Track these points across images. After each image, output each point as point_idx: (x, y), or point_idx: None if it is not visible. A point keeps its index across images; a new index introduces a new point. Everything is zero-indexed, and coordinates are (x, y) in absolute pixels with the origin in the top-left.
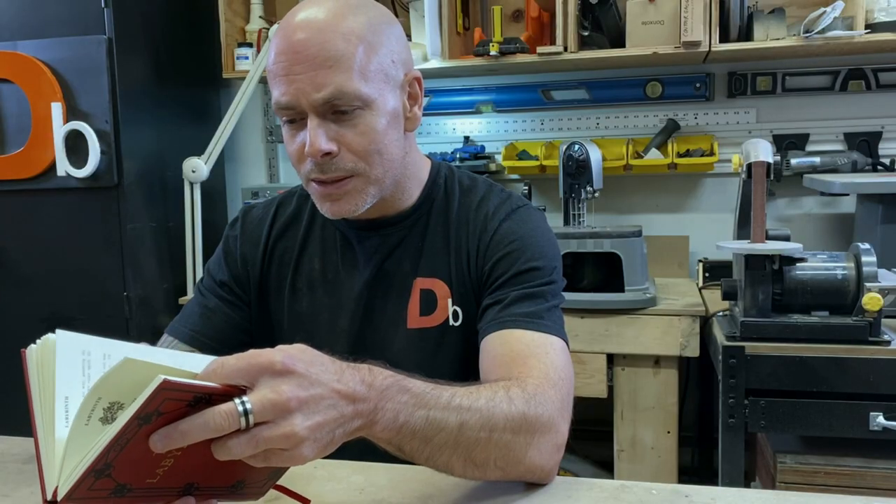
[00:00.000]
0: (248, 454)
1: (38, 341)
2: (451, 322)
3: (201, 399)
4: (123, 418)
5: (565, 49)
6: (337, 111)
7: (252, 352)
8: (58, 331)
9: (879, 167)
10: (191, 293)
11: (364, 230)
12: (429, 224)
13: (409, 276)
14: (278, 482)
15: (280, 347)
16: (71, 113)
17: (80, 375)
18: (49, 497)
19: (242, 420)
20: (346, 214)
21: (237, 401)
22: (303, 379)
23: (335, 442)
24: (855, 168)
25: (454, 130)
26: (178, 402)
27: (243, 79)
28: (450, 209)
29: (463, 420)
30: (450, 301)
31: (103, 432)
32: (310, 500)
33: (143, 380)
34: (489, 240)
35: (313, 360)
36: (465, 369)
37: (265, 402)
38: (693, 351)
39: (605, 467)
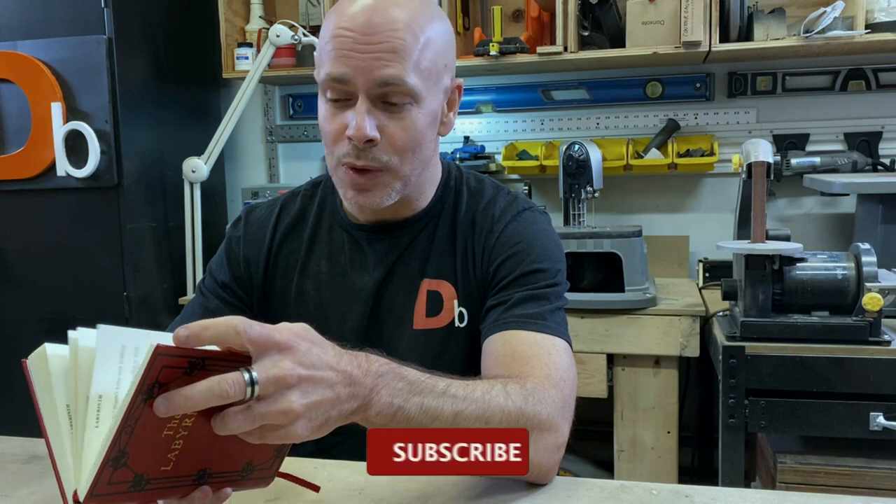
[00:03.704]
0: (245, 429)
1: (37, 350)
2: (457, 323)
3: (196, 365)
4: (127, 397)
5: (565, 49)
6: (386, 101)
7: (271, 326)
8: (99, 325)
9: (879, 167)
10: (191, 293)
11: (375, 232)
12: (438, 225)
13: (417, 277)
14: (288, 473)
15: (286, 325)
16: (71, 113)
17: (117, 373)
18: (70, 501)
19: (248, 390)
20: (370, 206)
21: (244, 371)
22: (303, 357)
23: (330, 423)
24: (855, 168)
25: (454, 130)
26: (176, 369)
27: (243, 79)
28: (458, 211)
29: (458, 410)
30: (456, 302)
31: (111, 418)
32: (319, 487)
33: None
34: (494, 241)
35: (314, 342)
36: (470, 371)
37: (269, 375)
38: (693, 351)
39: (605, 467)
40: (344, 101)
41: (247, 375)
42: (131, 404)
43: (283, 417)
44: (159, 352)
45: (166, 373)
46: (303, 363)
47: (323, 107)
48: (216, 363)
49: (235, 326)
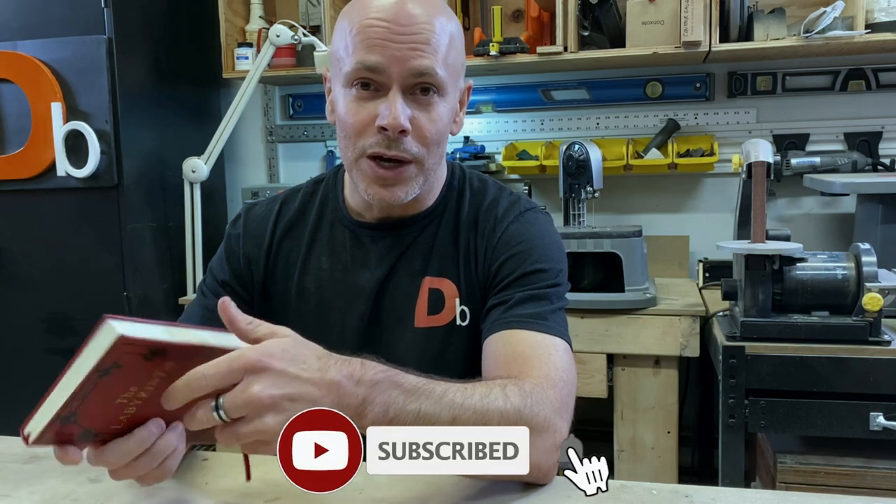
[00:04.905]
0: (230, 444)
1: (118, 326)
2: (459, 322)
3: (157, 353)
4: (83, 371)
5: (565, 49)
6: (416, 93)
7: (229, 357)
8: (110, 320)
9: (879, 167)
10: (191, 293)
11: (379, 230)
12: (441, 224)
13: (418, 275)
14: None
15: (262, 345)
16: (71, 113)
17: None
18: (23, 435)
19: (215, 415)
20: (393, 201)
21: (212, 402)
22: (278, 377)
23: None
24: (855, 168)
25: None
26: (136, 355)
27: (243, 79)
28: (461, 210)
29: (455, 416)
30: (457, 301)
31: (66, 381)
32: (249, 478)
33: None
34: (497, 241)
35: (295, 357)
36: (471, 369)
37: (237, 401)
38: (693, 351)
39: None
40: (372, 91)
41: (212, 402)
42: (85, 381)
43: (260, 435)
44: (122, 342)
45: (126, 358)
46: (277, 383)
47: (344, 99)
48: (177, 351)
49: (193, 388)
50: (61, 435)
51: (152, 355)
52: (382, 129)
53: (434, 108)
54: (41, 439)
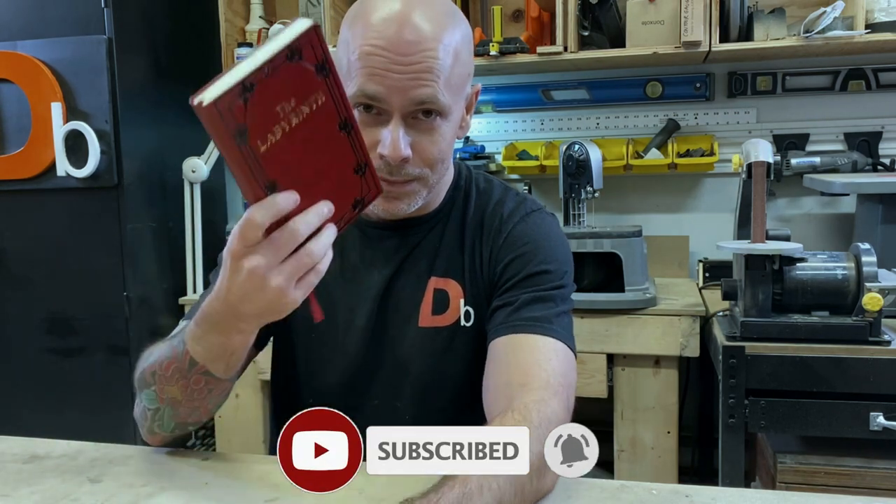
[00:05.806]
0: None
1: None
2: (463, 322)
3: (325, 68)
4: (272, 50)
5: (565, 49)
6: (419, 116)
7: None
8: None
9: (879, 167)
10: (191, 293)
11: (387, 230)
12: (447, 225)
13: (424, 275)
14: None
15: None
16: (71, 113)
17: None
18: (196, 101)
19: None
20: (398, 213)
21: None
22: None
23: None
24: (855, 168)
25: None
26: (311, 58)
27: None
28: (467, 211)
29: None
30: (462, 301)
31: (253, 58)
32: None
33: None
34: (502, 242)
35: None
36: (474, 369)
37: None
38: (693, 351)
39: (605, 467)
40: (374, 115)
41: None
42: (275, 57)
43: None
44: (314, 31)
45: (308, 50)
46: None
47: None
48: (334, 83)
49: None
50: (229, 113)
51: (321, 70)
52: (383, 156)
53: (436, 131)
54: (217, 103)
